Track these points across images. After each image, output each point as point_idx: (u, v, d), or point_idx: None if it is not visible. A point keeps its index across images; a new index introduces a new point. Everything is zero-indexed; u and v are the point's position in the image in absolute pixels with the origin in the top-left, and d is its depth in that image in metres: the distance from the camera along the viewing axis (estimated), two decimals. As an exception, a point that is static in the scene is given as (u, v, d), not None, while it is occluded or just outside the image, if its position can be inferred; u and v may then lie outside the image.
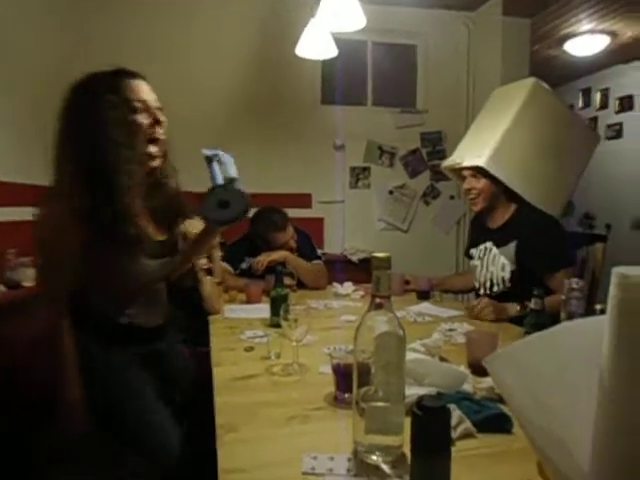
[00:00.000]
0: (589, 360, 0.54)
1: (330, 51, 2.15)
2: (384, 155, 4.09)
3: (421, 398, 0.66)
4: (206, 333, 1.70)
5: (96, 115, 1.20)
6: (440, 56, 4.13)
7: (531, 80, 2.43)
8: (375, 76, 4.17)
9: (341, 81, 3.94)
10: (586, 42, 4.47)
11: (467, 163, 2.10)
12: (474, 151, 2.23)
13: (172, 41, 3.69)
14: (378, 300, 0.82)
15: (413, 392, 0.95)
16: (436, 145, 4.15)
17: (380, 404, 0.80)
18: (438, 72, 4.13)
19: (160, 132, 1.45)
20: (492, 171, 2.01)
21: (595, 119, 5.51)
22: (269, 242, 2.38)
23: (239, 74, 3.81)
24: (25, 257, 2.34)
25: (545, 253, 1.83)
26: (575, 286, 1.15)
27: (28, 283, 2.20)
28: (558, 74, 5.46)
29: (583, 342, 0.56)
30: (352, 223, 4.02)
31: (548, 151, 2.41)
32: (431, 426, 0.63)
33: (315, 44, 2.13)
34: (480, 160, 2.06)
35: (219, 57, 3.77)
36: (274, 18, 3.77)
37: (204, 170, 3.95)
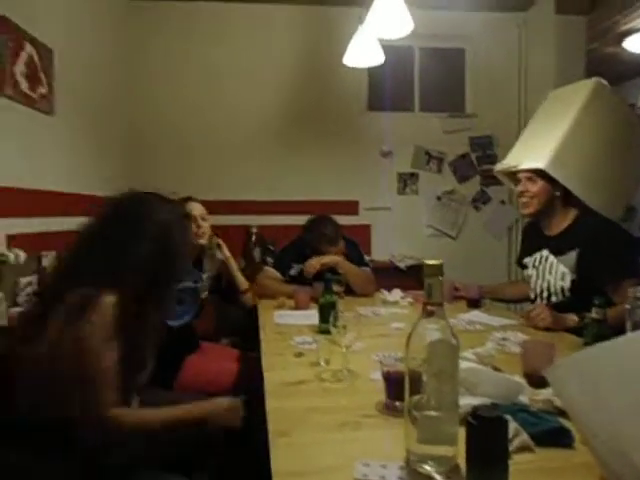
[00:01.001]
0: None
1: (378, 58, 2.16)
2: (432, 161, 4.04)
3: (476, 408, 0.65)
4: (256, 339, 1.73)
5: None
6: (490, 59, 4.04)
7: (593, 80, 2.33)
8: (422, 81, 4.13)
9: (388, 87, 3.93)
10: (648, 37, 4.23)
11: (526, 166, 2.02)
12: (533, 154, 2.15)
13: (226, 54, 3.82)
14: (430, 308, 0.81)
15: (466, 402, 0.93)
16: (486, 149, 4.05)
17: (433, 413, 0.79)
18: (488, 75, 4.04)
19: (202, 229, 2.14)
20: (553, 174, 1.93)
21: (659, 118, 5.19)
22: (320, 253, 2.39)
23: (287, 84, 3.89)
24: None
25: (609, 261, 1.73)
26: None
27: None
28: (618, 72, 5.19)
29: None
30: (400, 230, 3.98)
31: (610, 154, 2.30)
32: (487, 437, 0.62)
33: (363, 52, 2.14)
34: (541, 163, 1.98)
35: (268, 69, 3.87)
36: (322, 28, 3.82)
37: (255, 180, 4.08)
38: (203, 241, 2.16)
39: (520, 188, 1.99)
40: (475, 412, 0.63)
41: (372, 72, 3.76)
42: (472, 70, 4.11)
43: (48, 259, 2.19)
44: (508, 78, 4.04)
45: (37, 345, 1.03)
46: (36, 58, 2.11)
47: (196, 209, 2.15)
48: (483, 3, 3.82)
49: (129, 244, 1.14)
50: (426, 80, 4.13)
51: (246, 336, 2.17)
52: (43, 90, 2.17)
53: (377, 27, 1.73)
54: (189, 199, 2.20)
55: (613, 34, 4.32)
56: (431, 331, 0.81)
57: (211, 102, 3.82)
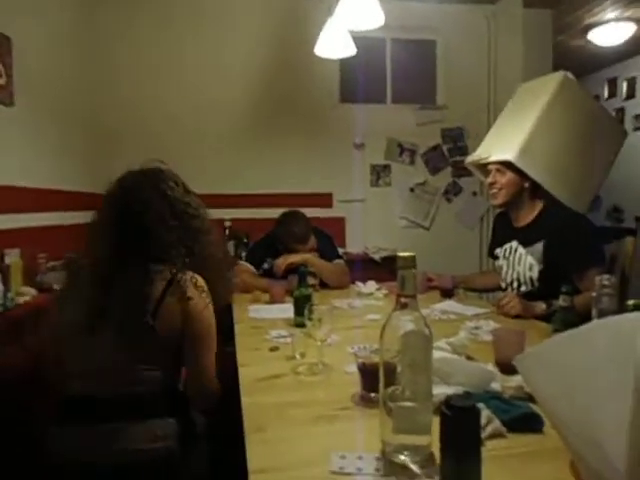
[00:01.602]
0: (624, 358, 0.53)
1: (349, 49, 2.14)
2: (404, 152, 4.06)
3: (450, 397, 0.65)
4: (231, 333, 1.71)
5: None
6: (460, 51, 4.08)
7: (560, 74, 2.38)
8: (394, 73, 4.14)
9: (360, 79, 3.93)
10: (611, 31, 4.35)
11: (495, 158, 2.06)
12: (502, 146, 2.19)
13: (195, 42, 3.74)
14: (404, 300, 0.81)
15: (440, 391, 0.95)
16: (457, 141, 4.10)
17: (407, 404, 0.79)
18: (458, 67, 4.08)
19: None
20: (521, 166, 1.97)
21: (622, 110, 5.36)
22: (290, 250, 2.37)
23: (258, 75, 3.83)
24: (55, 261, 2.40)
25: (574, 252, 1.78)
26: (606, 283, 1.12)
27: (59, 286, 2.26)
28: (583, 64, 5.33)
29: (617, 340, 0.55)
30: (373, 221, 4.00)
31: (576, 146, 2.36)
32: (461, 426, 0.62)
33: (334, 43, 2.13)
34: (509, 155, 2.02)
35: (238, 60, 3.80)
36: (291, 19, 3.78)
37: (228, 173, 4.02)
38: None
39: (490, 179, 2.03)
40: (448, 402, 0.64)
41: (344, 64, 3.75)
42: (443, 62, 4.15)
43: (11, 257, 2.11)
44: (478, 70, 4.09)
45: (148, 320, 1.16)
46: (-7, 47, 2.02)
47: None
48: (453, -6, 3.85)
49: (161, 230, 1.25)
50: (398, 72, 4.14)
51: (221, 330, 2.13)
52: (1, 81, 2.08)
53: (347, 19, 1.72)
54: None
55: (578, 27, 4.43)
56: (405, 323, 0.81)
57: (180, 94, 3.74)
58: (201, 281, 1.24)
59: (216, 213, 2.84)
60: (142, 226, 1.23)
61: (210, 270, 1.30)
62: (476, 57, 4.08)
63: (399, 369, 0.80)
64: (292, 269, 2.21)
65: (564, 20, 4.19)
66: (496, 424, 0.87)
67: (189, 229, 1.29)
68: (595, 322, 0.57)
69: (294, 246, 2.36)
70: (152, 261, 1.22)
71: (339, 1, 1.71)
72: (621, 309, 1.08)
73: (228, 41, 3.79)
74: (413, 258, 0.80)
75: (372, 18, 1.66)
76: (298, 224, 2.39)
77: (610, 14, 4.14)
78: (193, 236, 1.29)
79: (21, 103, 2.26)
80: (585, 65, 5.42)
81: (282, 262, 2.33)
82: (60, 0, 2.96)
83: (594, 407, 0.52)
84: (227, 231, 3.71)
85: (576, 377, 0.54)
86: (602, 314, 1.08)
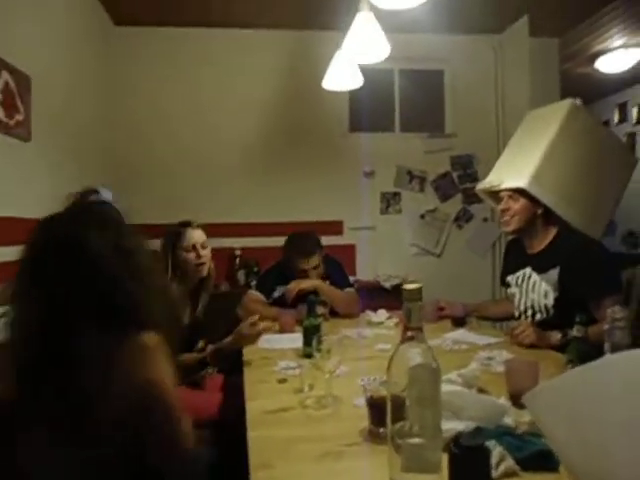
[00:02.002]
0: (637, 396, 0.51)
1: (356, 81, 2.19)
2: (414, 180, 4.08)
3: (459, 435, 0.63)
4: (239, 362, 1.70)
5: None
6: (468, 80, 4.13)
7: (568, 102, 2.39)
8: (402, 102, 4.20)
9: (369, 108, 3.98)
10: (619, 57, 4.39)
11: (507, 185, 2.04)
12: (514, 173, 2.18)
13: (206, 79, 3.85)
14: (410, 332, 0.80)
15: (451, 426, 0.92)
16: (467, 168, 4.11)
17: (415, 440, 0.77)
18: (466, 96, 4.13)
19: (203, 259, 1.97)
20: (534, 192, 1.95)
21: (633, 135, 5.34)
22: (295, 268, 2.35)
23: (269, 108, 3.92)
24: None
25: (590, 279, 1.74)
26: (618, 315, 1.09)
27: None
28: (591, 90, 5.36)
29: (631, 377, 0.53)
30: (384, 249, 3.99)
31: (588, 172, 2.35)
32: (470, 466, 0.60)
33: (341, 76, 2.17)
34: (522, 182, 2.01)
35: (249, 93, 3.90)
36: (302, 52, 3.88)
37: (238, 202, 4.05)
38: (204, 272, 1.98)
39: (502, 206, 2.01)
40: (457, 440, 0.62)
41: (353, 94, 3.81)
42: (451, 91, 4.20)
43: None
44: (486, 98, 4.13)
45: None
46: (12, 85, 2.09)
47: (195, 236, 1.97)
48: (460, 26, 3.92)
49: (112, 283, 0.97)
50: (406, 101, 4.20)
51: (230, 359, 2.08)
52: (19, 117, 2.15)
53: (354, 52, 1.75)
54: (187, 225, 2.00)
55: (585, 55, 4.48)
56: (412, 356, 0.80)
57: (193, 126, 3.83)
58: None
59: (226, 242, 2.91)
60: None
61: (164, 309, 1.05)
62: (484, 85, 4.13)
63: (408, 403, 0.78)
64: (302, 298, 2.19)
65: (571, 48, 4.24)
66: (509, 462, 0.83)
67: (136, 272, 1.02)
68: (607, 358, 0.55)
69: (297, 261, 2.33)
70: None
71: (346, 35, 1.75)
72: (637, 340, 1.04)
73: (241, 75, 3.90)
74: (419, 290, 0.79)
75: (378, 51, 1.69)
76: (303, 239, 2.40)
77: (617, 41, 4.18)
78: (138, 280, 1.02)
79: (38, 139, 2.33)
80: (594, 91, 5.45)
81: (293, 287, 2.31)
82: (80, 40, 3.08)
83: (607, 447, 0.50)
84: (238, 260, 3.73)
85: (588, 416, 0.52)
86: (615, 348, 1.05)
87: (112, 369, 0.91)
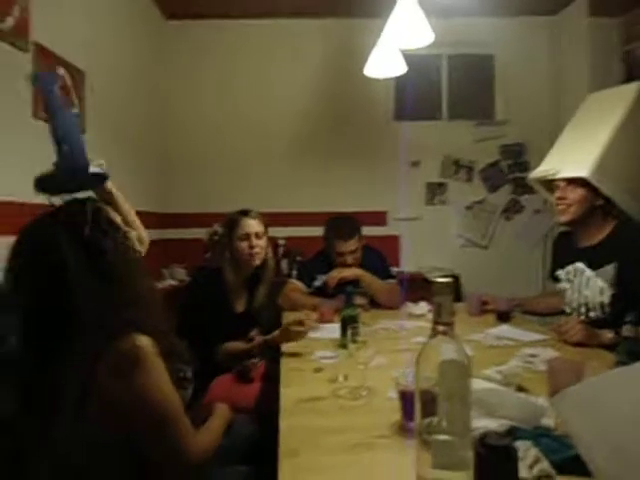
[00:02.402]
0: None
1: (399, 68, 2.14)
2: (461, 170, 3.96)
3: (484, 435, 0.61)
4: (278, 351, 1.72)
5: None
6: (520, 64, 3.95)
7: (637, 84, 2.22)
8: (450, 89, 4.08)
9: (415, 96, 3.90)
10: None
11: (567, 174, 1.91)
12: (573, 161, 2.05)
13: (252, 69, 3.90)
14: (441, 327, 0.78)
15: (483, 424, 0.90)
16: (517, 157, 3.95)
17: (444, 437, 0.75)
18: (518, 81, 3.95)
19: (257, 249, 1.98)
20: (597, 183, 1.83)
21: None
22: (333, 250, 2.36)
23: (313, 97, 3.92)
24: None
25: None
26: None
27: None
28: (658, 73, 4.98)
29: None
30: (429, 240, 3.92)
31: None
32: (495, 466, 0.58)
33: (383, 63, 2.13)
34: (583, 171, 1.87)
35: (293, 82, 3.92)
36: (345, 40, 3.84)
37: (283, 192, 4.11)
38: (257, 262, 1.99)
39: (558, 194, 1.89)
40: (483, 439, 0.60)
41: (399, 81, 3.75)
42: (501, 76, 4.03)
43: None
44: (539, 83, 3.94)
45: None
46: (68, 80, 2.20)
47: (250, 225, 1.99)
48: (512, 8, 3.75)
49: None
50: (454, 88, 4.08)
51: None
52: (74, 110, 2.26)
53: (396, 38, 1.71)
54: (245, 213, 2.03)
55: (651, 35, 4.15)
56: (442, 351, 0.78)
57: (235, 117, 3.90)
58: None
59: (270, 231, 2.94)
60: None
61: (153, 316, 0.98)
62: (537, 70, 3.94)
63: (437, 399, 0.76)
64: (343, 287, 2.19)
65: (635, 28, 3.94)
66: (544, 465, 0.80)
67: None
68: (636, 365, 0.51)
69: (336, 243, 2.34)
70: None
71: (387, 21, 1.72)
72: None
73: (285, 65, 3.92)
74: (449, 284, 0.77)
75: (421, 36, 1.64)
76: (343, 221, 2.41)
77: (687, 19, 3.85)
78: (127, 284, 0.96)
79: (90, 130, 2.44)
80: (662, 73, 5.06)
81: (335, 275, 2.32)
82: (132, 35, 3.20)
83: (631, 456, 0.46)
84: (281, 249, 3.77)
85: (622, 422, 0.49)
86: None
87: (95, 379, 0.86)
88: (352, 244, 2.35)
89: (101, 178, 1.17)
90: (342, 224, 2.40)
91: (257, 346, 1.79)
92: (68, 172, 1.05)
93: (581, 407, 0.53)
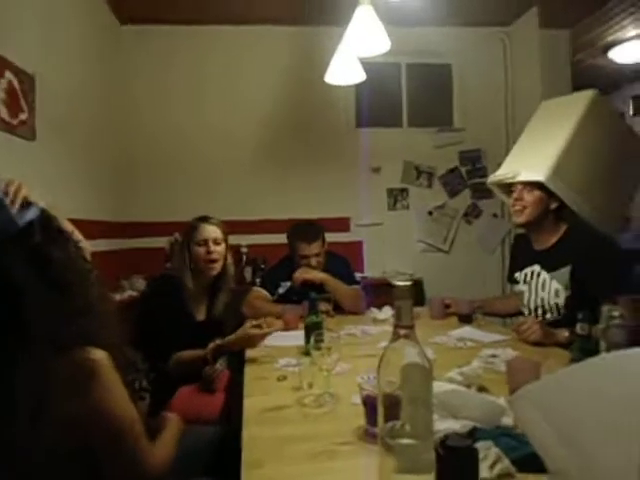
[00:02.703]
0: (633, 398, 0.49)
1: (358, 76, 2.16)
2: (422, 175, 4.04)
3: (446, 437, 0.61)
4: (241, 360, 1.69)
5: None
6: (476, 73, 4.07)
7: (590, 92, 2.32)
8: (410, 97, 4.16)
9: (375, 104, 3.96)
10: (633, 48, 4.28)
11: (524, 178, 1.97)
12: (530, 165, 2.11)
13: (212, 76, 3.86)
14: (402, 331, 0.78)
15: (446, 426, 0.90)
16: (476, 163, 4.06)
17: (406, 441, 0.75)
18: (475, 89, 4.07)
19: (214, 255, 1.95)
20: (553, 187, 1.90)
21: (648, 127, 5.22)
22: (296, 253, 2.37)
23: (274, 104, 3.91)
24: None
25: (603, 277, 1.69)
26: (615, 313, 1.06)
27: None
28: (604, 82, 5.24)
29: (626, 378, 0.51)
30: (391, 245, 3.96)
31: (606, 166, 2.29)
32: (456, 467, 0.58)
33: (343, 70, 2.15)
34: (540, 175, 1.94)
35: (255, 91, 3.90)
36: (306, 47, 3.86)
37: (245, 199, 4.05)
38: (215, 269, 1.95)
39: (515, 195, 1.95)
40: (444, 441, 0.60)
41: (359, 89, 3.80)
42: (459, 85, 4.14)
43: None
44: (495, 92, 4.07)
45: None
46: (16, 84, 2.11)
47: (208, 232, 1.96)
48: (467, 18, 3.87)
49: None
50: (414, 96, 4.16)
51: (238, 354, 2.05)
52: (23, 116, 2.17)
53: (354, 46, 1.73)
54: (203, 220, 2.01)
55: (598, 46, 4.38)
56: (403, 354, 0.78)
57: (198, 124, 3.84)
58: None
59: (233, 239, 2.92)
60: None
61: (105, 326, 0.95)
62: (493, 79, 4.07)
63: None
64: (306, 293, 2.17)
65: (583, 39, 4.15)
66: (505, 463, 0.81)
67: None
68: (601, 356, 0.52)
69: (300, 246, 2.36)
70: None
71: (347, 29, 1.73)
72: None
73: (244, 73, 3.89)
74: (409, 288, 0.77)
75: (378, 44, 1.67)
76: (306, 225, 2.45)
77: (631, 32, 4.08)
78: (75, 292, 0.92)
79: (42, 138, 2.34)
80: (607, 83, 5.34)
81: (300, 274, 2.33)
82: (85, 39, 3.10)
83: (597, 451, 0.47)
84: (244, 257, 3.73)
85: (578, 420, 0.50)
86: (610, 347, 1.02)
87: (48, 393, 0.83)
88: (315, 247, 2.36)
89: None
90: (306, 228, 2.43)
91: (211, 351, 1.74)
92: None
93: (537, 405, 0.54)
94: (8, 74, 2.05)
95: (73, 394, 0.84)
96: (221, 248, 1.98)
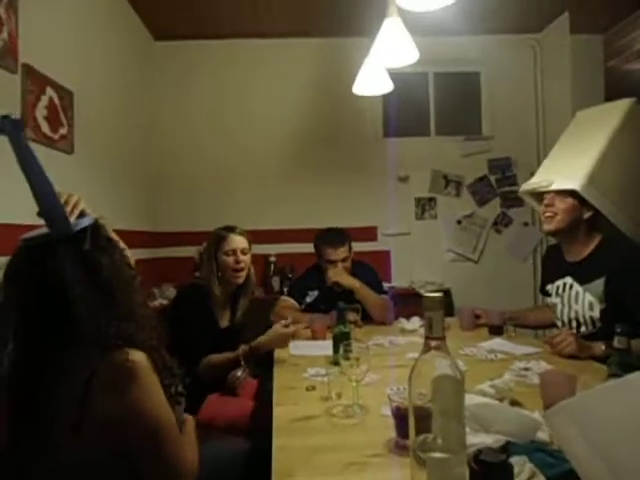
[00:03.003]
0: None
1: (386, 86, 2.17)
2: (450, 184, 4.00)
3: (479, 451, 0.61)
4: (271, 369, 1.71)
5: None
6: (505, 81, 4.03)
7: (627, 101, 2.28)
8: (438, 106, 4.14)
9: (403, 113, 3.96)
10: (670, 52, 4.15)
11: (558, 186, 1.93)
12: (565, 174, 2.07)
13: (241, 89, 3.94)
14: (433, 342, 0.78)
15: (479, 440, 0.89)
16: (505, 171, 4.00)
17: (438, 454, 0.75)
18: (504, 97, 4.02)
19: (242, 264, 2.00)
20: (587, 196, 1.85)
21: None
22: (323, 259, 2.39)
23: (303, 115, 3.96)
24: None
25: (638, 289, 1.64)
26: None
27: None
28: (639, 89, 5.10)
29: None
30: (419, 255, 3.93)
31: None
32: (491, 483, 0.57)
33: (370, 81, 2.16)
34: (574, 184, 1.89)
35: (283, 101, 3.96)
36: (334, 59, 3.89)
37: (273, 209, 4.10)
38: (241, 278, 2.01)
39: (546, 202, 1.91)
40: (477, 456, 0.59)
41: (387, 99, 3.80)
42: (488, 93, 4.10)
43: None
44: (525, 99, 4.01)
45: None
46: (56, 100, 2.20)
47: (236, 242, 2.01)
48: (496, 26, 3.84)
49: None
50: (441, 104, 4.14)
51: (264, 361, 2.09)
52: (63, 131, 2.26)
53: (382, 57, 1.74)
54: (230, 230, 2.05)
55: (632, 50, 4.26)
56: (434, 366, 0.77)
57: (227, 136, 3.92)
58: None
59: (261, 248, 2.96)
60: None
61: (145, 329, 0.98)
62: (522, 86, 4.02)
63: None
64: (335, 302, 2.17)
65: (616, 44, 4.04)
66: (540, 479, 0.79)
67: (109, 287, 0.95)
68: (630, 376, 0.51)
69: (323, 249, 2.38)
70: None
71: (374, 41, 1.75)
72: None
73: (274, 84, 3.96)
74: (440, 299, 0.77)
75: (406, 55, 1.68)
76: (333, 231, 2.47)
77: (666, 35, 3.96)
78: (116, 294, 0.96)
79: (80, 151, 2.43)
80: (643, 89, 5.19)
81: (333, 274, 2.34)
82: (121, 56, 3.22)
83: (634, 471, 0.46)
84: (272, 266, 3.76)
85: (619, 436, 0.49)
86: None
87: (90, 394, 0.86)
88: (342, 252, 2.37)
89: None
90: (332, 233, 2.46)
91: (242, 354, 1.79)
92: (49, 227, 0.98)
93: (574, 421, 0.52)
94: (49, 90, 2.15)
95: (113, 395, 0.86)
96: (247, 258, 2.04)
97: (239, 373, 1.81)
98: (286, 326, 1.82)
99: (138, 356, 0.89)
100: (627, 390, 0.49)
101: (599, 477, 0.50)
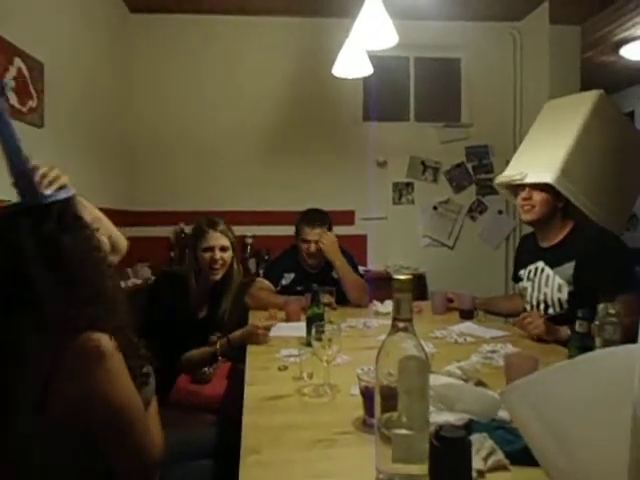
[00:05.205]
0: (620, 395, 0.50)
1: (366, 69, 2.16)
2: (427, 170, 4.03)
3: (440, 427, 0.63)
4: (244, 350, 1.72)
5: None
6: (485, 68, 4.05)
7: (596, 92, 2.33)
8: (418, 91, 4.14)
9: (383, 98, 3.95)
10: (645, 45, 4.24)
11: (532, 180, 1.99)
12: (538, 167, 2.13)
13: (220, 66, 3.86)
14: (401, 324, 0.79)
15: (443, 419, 0.92)
16: (482, 159, 4.05)
17: (402, 431, 0.77)
18: (483, 85, 4.05)
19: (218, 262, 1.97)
20: (561, 189, 1.93)
21: (657, 126, 5.18)
22: (300, 237, 2.39)
23: (282, 96, 3.90)
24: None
25: (606, 274, 1.70)
26: (611, 311, 1.07)
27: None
28: (613, 80, 5.19)
29: (613, 373, 0.52)
30: (395, 240, 3.97)
31: (612, 166, 2.30)
32: (449, 458, 0.60)
33: (350, 64, 2.15)
34: (548, 177, 1.96)
35: (262, 81, 3.89)
36: (314, 39, 3.83)
37: (250, 191, 4.05)
38: (218, 275, 1.97)
39: (524, 195, 1.96)
40: (438, 432, 0.61)
41: (367, 83, 3.79)
42: (467, 79, 4.12)
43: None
44: (503, 87, 4.05)
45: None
46: (25, 71, 2.12)
47: (214, 239, 1.97)
48: (478, 13, 3.84)
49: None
50: (422, 90, 4.14)
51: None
52: (32, 103, 2.18)
53: (362, 39, 1.73)
54: (212, 225, 2.00)
55: (608, 43, 4.34)
56: (401, 347, 0.79)
57: (204, 114, 3.85)
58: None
59: (237, 230, 2.94)
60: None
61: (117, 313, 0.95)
62: (501, 74, 4.04)
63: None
64: (308, 286, 2.18)
65: (593, 36, 4.10)
66: (499, 456, 0.83)
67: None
68: (590, 353, 0.53)
69: (304, 230, 2.38)
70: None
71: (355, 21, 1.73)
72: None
73: (252, 63, 3.88)
74: (409, 281, 0.79)
75: (386, 38, 1.67)
76: (314, 211, 2.47)
77: (642, 29, 4.03)
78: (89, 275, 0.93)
79: (50, 125, 2.36)
80: (615, 81, 5.29)
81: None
82: (95, 27, 3.11)
83: (586, 447, 0.48)
84: (249, 248, 3.75)
85: (563, 415, 0.51)
86: (606, 344, 1.03)
87: (55, 377, 0.85)
88: (318, 233, 2.37)
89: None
90: (314, 213, 2.46)
91: (221, 347, 1.79)
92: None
93: (527, 399, 0.55)
94: (17, 61, 2.07)
95: (77, 377, 0.85)
96: (227, 255, 2.00)
97: (210, 370, 1.84)
98: (265, 328, 1.78)
99: (102, 339, 0.87)
100: (578, 370, 0.52)
101: (550, 453, 0.53)
